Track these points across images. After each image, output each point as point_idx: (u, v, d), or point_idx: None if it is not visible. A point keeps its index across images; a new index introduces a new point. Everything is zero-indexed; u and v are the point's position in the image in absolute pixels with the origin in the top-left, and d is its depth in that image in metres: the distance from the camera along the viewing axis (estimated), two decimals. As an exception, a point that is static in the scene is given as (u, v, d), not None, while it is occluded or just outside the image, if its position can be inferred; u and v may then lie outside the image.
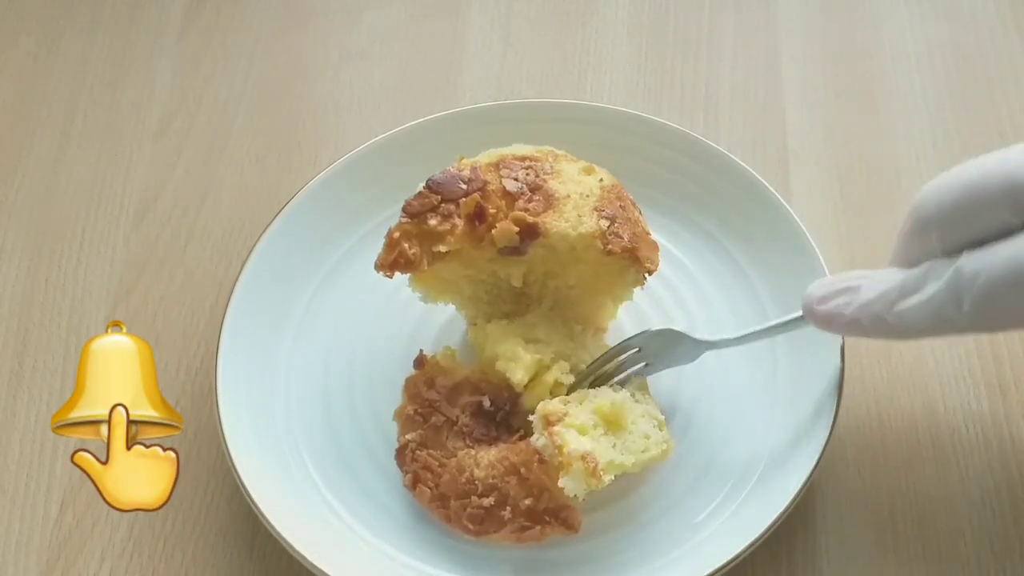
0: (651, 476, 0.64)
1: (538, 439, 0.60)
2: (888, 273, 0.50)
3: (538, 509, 0.59)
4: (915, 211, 0.49)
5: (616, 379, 0.64)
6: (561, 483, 0.57)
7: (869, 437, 0.68)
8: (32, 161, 0.82)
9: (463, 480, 0.61)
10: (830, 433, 0.62)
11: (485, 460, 0.61)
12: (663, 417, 0.62)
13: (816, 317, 0.52)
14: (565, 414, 0.60)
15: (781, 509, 0.60)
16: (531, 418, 0.61)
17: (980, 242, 0.46)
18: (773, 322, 0.61)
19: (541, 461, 0.59)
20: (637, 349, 0.64)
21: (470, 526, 0.60)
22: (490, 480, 0.60)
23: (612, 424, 0.61)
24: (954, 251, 0.47)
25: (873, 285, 0.50)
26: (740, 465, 0.65)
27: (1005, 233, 0.45)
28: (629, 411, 0.61)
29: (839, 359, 0.64)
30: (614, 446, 0.60)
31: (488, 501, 0.60)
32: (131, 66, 0.87)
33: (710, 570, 0.58)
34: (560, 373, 0.64)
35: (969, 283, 0.45)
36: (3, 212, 0.80)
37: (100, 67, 0.87)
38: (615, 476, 0.59)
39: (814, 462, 0.61)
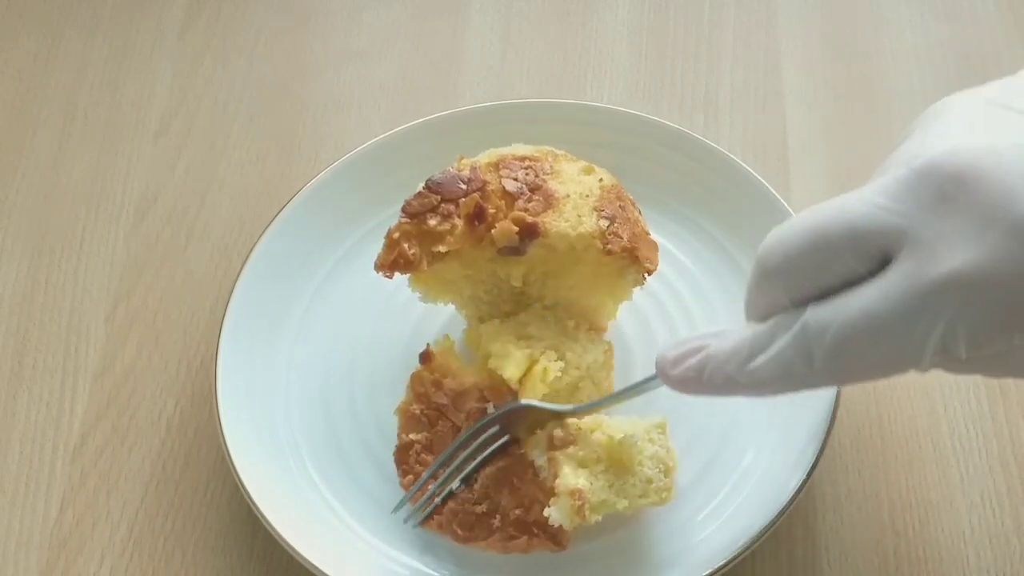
0: (651, 476, 0.64)
1: (538, 456, 0.59)
2: (738, 331, 0.48)
3: (527, 521, 0.59)
4: (760, 262, 0.47)
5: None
6: (546, 512, 0.57)
7: (869, 437, 0.68)
8: (32, 161, 0.82)
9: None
10: (830, 433, 0.62)
11: (488, 469, 0.61)
12: (673, 463, 0.60)
13: (670, 381, 0.50)
14: (572, 442, 0.59)
15: (781, 509, 0.60)
16: (539, 432, 0.61)
17: (827, 291, 0.44)
18: (629, 385, 0.57)
19: (536, 474, 0.59)
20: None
21: (459, 531, 0.60)
22: (485, 488, 0.60)
23: (615, 463, 0.59)
24: (802, 302, 0.45)
25: (722, 344, 0.48)
26: (740, 465, 0.65)
27: (852, 281, 0.44)
28: (637, 453, 0.59)
29: (839, 359, 0.64)
30: (611, 486, 0.58)
31: (480, 508, 0.60)
32: (131, 66, 0.87)
33: (710, 570, 0.58)
34: (548, 362, 0.63)
35: (818, 338, 0.44)
36: (3, 212, 0.80)
37: (100, 67, 0.87)
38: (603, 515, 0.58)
39: (814, 462, 0.61)
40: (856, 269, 0.44)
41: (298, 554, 0.60)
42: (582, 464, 0.59)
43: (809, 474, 0.61)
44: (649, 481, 0.58)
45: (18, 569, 0.64)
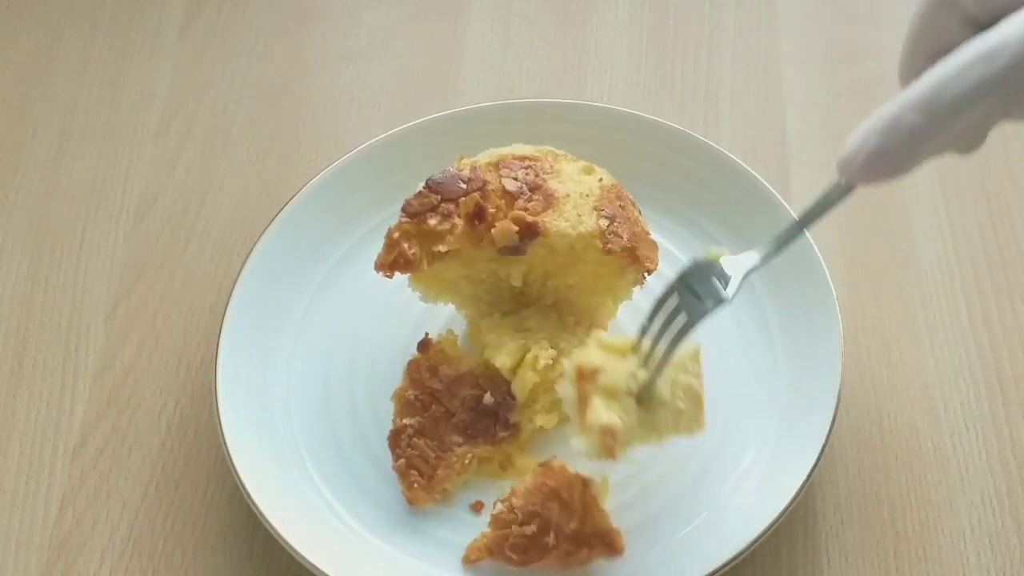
0: (651, 476, 0.64)
1: (565, 390, 0.56)
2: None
3: (584, 532, 0.59)
4: None
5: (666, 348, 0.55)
6: (573, 441, 0.54)
7: (869, 437, 0.68)
8: (32, 161, 0.82)
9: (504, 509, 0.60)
10: (830, 433, 0.62)
11: (521, 488, 0.61)
12: (703, 392, 0.56)
13: (856, 168, 0.44)
14: (599, 371, 0.55)
15: (781, 509, 0.60)
16: (564, 361, 0.57)
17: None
18: (811, 204, 0.50)
19: (584, 484, 0.58)
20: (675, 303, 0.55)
21: (514, 556, 0.59)
22: (530, 507, 0.60)
23: (646, 397, 0.56)
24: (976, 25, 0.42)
25: (894, 99, 0.43)
26: (740, 465, 0.65)
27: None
28: (668, 387, 0.55)
29: (839, 359, 0.64)
30: (640, 421, 0.55)
31: (530, 529, 0.59)
32: (131, 66, 0.87)
33: (710, 570, 0.58)
34: (541, 352, 0.63)
35: (1012, 40, 0.39)
36: (3, 212, 0.80)
37: (100, 67, 0.87)
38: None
39: (814, 462, 0.61)
40: None
41: (298, 554, 0.60)
42: (611, 395, 0.54)
43: (809, 474, 0.61)
44: (680, 412, 0.56)
45: (18, 569, 0.64)
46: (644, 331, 0.55)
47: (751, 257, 0.52)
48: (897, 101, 0.42)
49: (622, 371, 0.55)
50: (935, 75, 0.41)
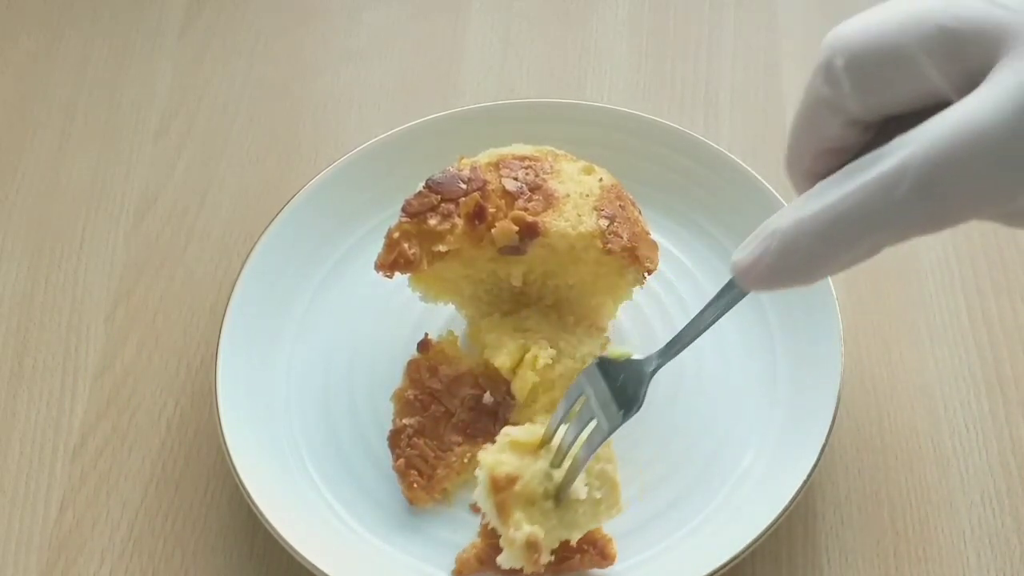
0: (650, 476, 0.64)
1: (484, 500, 0.56)
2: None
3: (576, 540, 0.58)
4: (828, 60, 0.40)
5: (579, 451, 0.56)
6: (499, 560, 0.56)
7: (869, 437, 0.68)
8: (32, 161, 0.82)
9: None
10: (830, 433, 0.62)
11: None
12: (617, 476, 0.57)
13: (748, 279, 0.43)
14: (515, 479, 0.55)
15: (781, 509, 0.60)
16: (477, 472, 0.57)
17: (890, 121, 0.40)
18: (710, 301, 0.51)
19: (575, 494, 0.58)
20: (582, 399, 0.56)
21: (504, 567, 0.59)
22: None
23: (563, 496, 0.56)
24: (864, 128, 0.41)
25: (786, 211, 0.42)
26: (740, 465, 0.65)
27: (923, 107, 0.39)
28: (582, 484, 0.56)
29: (839, 359, 0.64)
30: (560, 521, 0.56)
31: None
32: (131, 66, 0.87)
33: (710, 570, 0.58)
34: (541, 351, 0.63)
35: (907, 164, 0.37)
36: (3, 212, 0.80)
37: (100, 67, 0.87)
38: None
39: (814, 462, 0.61)
40: (937, 85, 0.38)
41: (298, 554, 0.60)
42: (529, 501, 0.55)
43: (809, 474, 0.61)
44: (597, 502, 0.57)
45: (18, 569, 0.64)
46: (555, 428, 0.56)
47: (652, 359, 0.53)
48: (792, 218, 0.41)
49: (536, 473, 0.56)
50: (830, 199, 0.39)
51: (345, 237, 0.74)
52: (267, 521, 0.60)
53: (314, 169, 0.77)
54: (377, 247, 0.63)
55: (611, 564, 0.59)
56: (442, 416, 0.65)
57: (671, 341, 0.53)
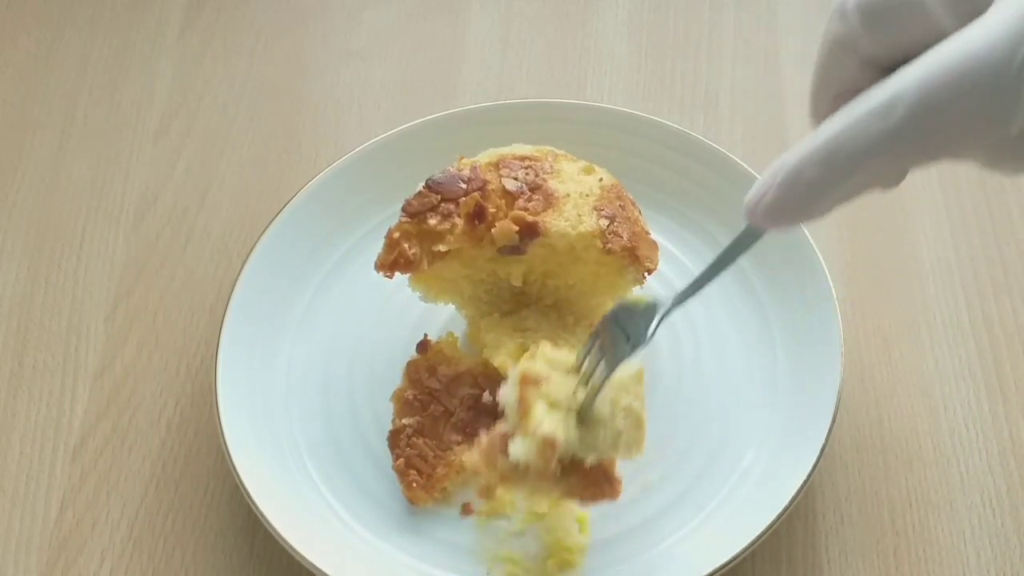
0: (651, 476, 0.64)
1: (508, 394, 0.55)
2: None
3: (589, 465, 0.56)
4: (840, 5, 0.42)
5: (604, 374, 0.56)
6: (511, 445, 0.53)
7: (869, 437, 0.68)
8: (32, 161, 0.82)
9: None
10: (830, 433, 0.62)
11: None
12: (645, 415, 0.56)
13: (759, 215, 0.45)
14: (545, 379, 0.55)
15: (781, 509, 0.60)
16: (509, 371, 0.56)
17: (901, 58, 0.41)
18: (726, 248, 0.52)
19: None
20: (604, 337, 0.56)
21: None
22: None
23: (587, 411, 0.55)
24: (877, 64, 0.42)
25: (793, 148, 0.43)
26: (740, 465, 0.65)
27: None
28: (611, 405, 0.55)
29: (839, 359, 0.64)
30: (580, 439, 0.55)
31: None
32: (131, 66, 0.87)
33: (710, 569, 0.58)
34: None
35: (901, 90, 0.39)
36: (3, 212, 0.80)
37: (100, 67, 0.87)
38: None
39: (814, 462, 0.61)
40: (944, 24, 0.39)
41: (298, 554, 0.60)
42: (553, 405, 0.54)
43: (809, 474, 0.61)
44: (619, 433, 0.55)
45: (18, 569, 0.64)
46: (585, 356, 0.56)
47: (666, 302, 0.54)
48: (798, 152, 0.42)
49: (564, 383, 0.55)
50: (833, 128, 0.41)
51: (345, 237, 0.74)
52: (267, 521, 0.60)
53: (314, 169, 0.77)
54: (377, 247, 0.63)
55: (614, 498, 0.56)
56: (441, 416, 0.65)
57: (688, 286, 0.53)
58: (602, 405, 0.55)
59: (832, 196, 0.42)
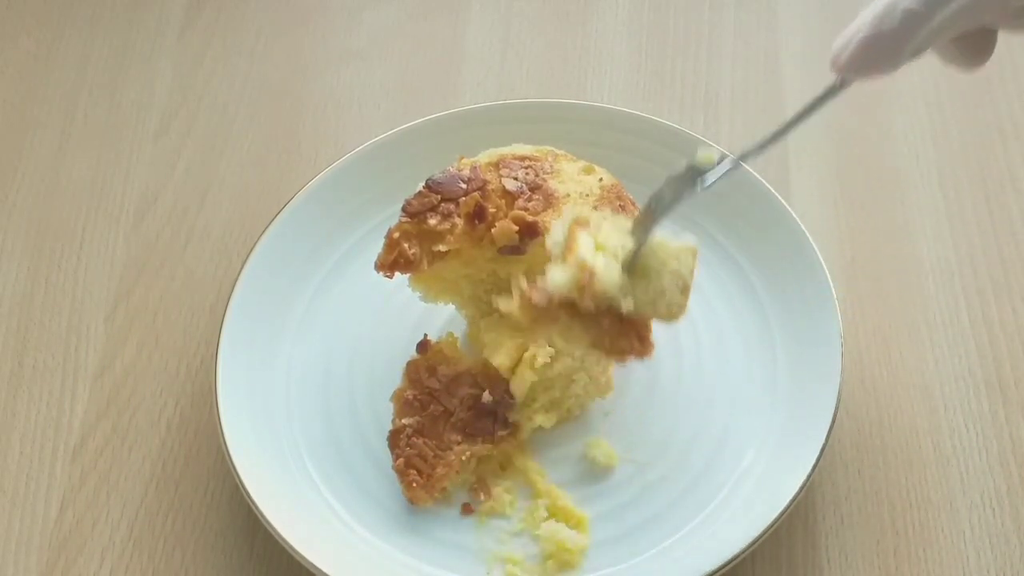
0: (651, 476, 0.64)
1: (556, 233, 0.55)
2: None
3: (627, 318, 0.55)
4: None
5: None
6: (548, 269, 0.53)
7: (869, 437, 0.68)
8: (32, 161, 0.82)
9: None
10: (829, 433, 0.62)
11: None
12: (691, 284, 0.55)
13: (845, 62, 0.45)
14: (596, 225, 0.54)
15: (781, 509, 0.60)
16: (564, 210, 0.55)
17: None
18: (809, 101, 0.51)
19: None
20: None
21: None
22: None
23: (635, 264, 0.54)
24: None
25: None
26: (740, 465, 0.65)
27: None
28: (659, 262, 0.54)
29: (839, 359, 0.64)
30: (621, 288, 0.54)
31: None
32: (131, 66, 0.87)
33: (710, 569, 0.58)
34: (539, 350, 0.63)
35: None
36: (3, 212, 0.80)
37: (100, 67, 0.87)
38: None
39: (814, 462, 0.61)
40: None
41: (298, 554, 0.60)
42: (601, 247, 0.54)
43: (809, 474, 0.61)
44: (662, 293, 0.54)
45: (18, 569, 0.64)
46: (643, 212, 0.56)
47: (732, 157, 0.54)
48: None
49: (617, 236, 0.54)
50: None
51: (345, 237, 0.74)
52: (267, 521, 0.60)
53: (314, 169, 0.77)
54: (377, 247, 0.63)
55: (643, 356, 0.55)
56: (441, 416, 0.65)
57: (759, 141, 0.53)
58: (651, 260, 0.54)
59: (923, 32, 0.42)
